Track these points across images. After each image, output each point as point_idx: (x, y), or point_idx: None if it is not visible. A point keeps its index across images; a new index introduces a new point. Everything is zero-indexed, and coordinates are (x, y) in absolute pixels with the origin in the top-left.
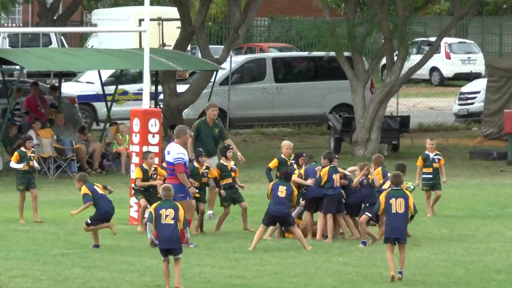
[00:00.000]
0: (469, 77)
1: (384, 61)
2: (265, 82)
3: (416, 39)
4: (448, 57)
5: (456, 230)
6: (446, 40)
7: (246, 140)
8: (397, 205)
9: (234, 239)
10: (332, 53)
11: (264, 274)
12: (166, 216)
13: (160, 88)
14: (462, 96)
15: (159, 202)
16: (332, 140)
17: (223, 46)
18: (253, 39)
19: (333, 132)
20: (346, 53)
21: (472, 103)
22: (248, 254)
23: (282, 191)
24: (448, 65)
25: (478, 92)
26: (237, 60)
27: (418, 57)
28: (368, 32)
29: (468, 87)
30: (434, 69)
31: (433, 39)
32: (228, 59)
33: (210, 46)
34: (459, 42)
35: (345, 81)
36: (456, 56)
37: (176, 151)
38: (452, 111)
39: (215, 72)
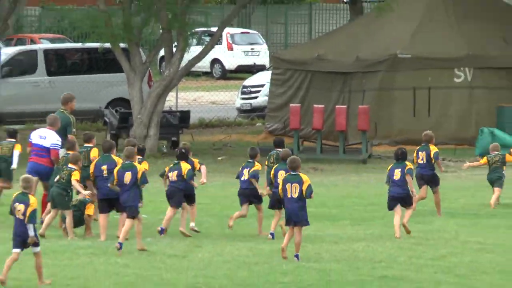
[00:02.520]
0: (253, 69)
1: (162, 52)
2: (36, 76)
3: (197, 29)
4: (230, 48)
5: (240, 230)
6: (228, 30)
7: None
8: (292, 190)
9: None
10: (108, 45)
11: (36, 277)
12: (18, 210)
13: None
14: (245, 89)
15: (18, 193)
16: (109, 136)
17: None
18: (23, 30)
19: (110, 128)
20: (122, 45)
21: (256, 97)
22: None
23: None
24: (231, 57)
25: (262, 86)
26: (7, 52)
27: (199, 49)
28: (145, 22)
29: (252, 80)
30: (215, 61)
31: (215, 29)
32: None
33: None
34: (241, 33)
35: (121, 74)
36: (239, 48)
37: (55, 137)
38: (235, 106)
39: None
